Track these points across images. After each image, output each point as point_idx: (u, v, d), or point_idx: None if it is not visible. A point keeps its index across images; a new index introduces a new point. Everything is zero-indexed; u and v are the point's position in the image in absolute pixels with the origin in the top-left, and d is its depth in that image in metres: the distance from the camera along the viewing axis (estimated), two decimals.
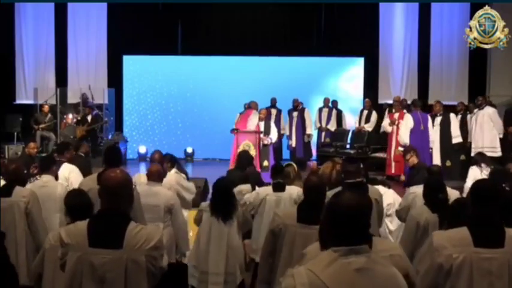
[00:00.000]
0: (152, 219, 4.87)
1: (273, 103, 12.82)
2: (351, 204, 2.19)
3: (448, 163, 9.77)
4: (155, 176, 5.23)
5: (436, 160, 9.88)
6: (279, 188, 5.46)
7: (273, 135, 10.13)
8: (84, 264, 2.69)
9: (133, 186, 2.88)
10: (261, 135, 9.82)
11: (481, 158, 8.16)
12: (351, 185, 4.14)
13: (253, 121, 10.06)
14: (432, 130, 10.37)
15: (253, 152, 9.37)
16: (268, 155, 9.90)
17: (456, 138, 10.26)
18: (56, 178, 5.58)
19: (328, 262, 2.13)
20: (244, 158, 7.18)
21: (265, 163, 9.74)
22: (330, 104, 13.16)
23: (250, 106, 10.58)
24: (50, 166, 5.56)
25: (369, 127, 12.33)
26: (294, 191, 5.34)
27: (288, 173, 5.98)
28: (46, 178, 5.42)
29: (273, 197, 5.39)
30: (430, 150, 10.21)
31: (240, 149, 9.48)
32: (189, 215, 5.87)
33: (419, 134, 9.75)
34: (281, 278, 2.25)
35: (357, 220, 2.18)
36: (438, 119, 10.30)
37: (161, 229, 4.79)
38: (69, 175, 6.27)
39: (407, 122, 9.88)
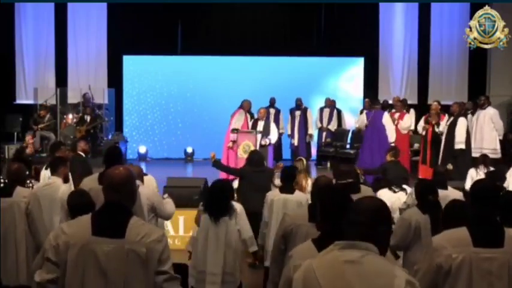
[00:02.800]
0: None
1: (272, 103, 12.78)
2: (372, 207, 2.28)
3: (450, 166, 9.49)
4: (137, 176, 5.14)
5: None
6: (286, 190, 5.50)
7: (273, 136, 10.02)
8: (87, 255, 2.69)
9: (137, 185, 2.87)
10: (258, 136, 9.73)
11: (481, 160, 8.16)
12: (342, 186, 4.17)
13: (237, 122, 10.00)
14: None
15: None
16: (267, 156, 9.85)
17: (459, 144, 9.58)
18: (65, 179, 5.55)
19: (325, 252, 2.27)
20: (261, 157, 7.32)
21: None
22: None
23: (242, 105, 10.42)
24: (57, 167, 5.55)
25: None
26: (303, 197, 5.42)
27: (296, 167, 6.53)
28: (52, 179, 5.41)
29: (280, 198, 5.43)
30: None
31: (240, 149, 9.48)
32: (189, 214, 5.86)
33: (375, 131, 9.89)
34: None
35: (374, 223, 2.24)
36: (450, 120, 9.99)
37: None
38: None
39: (363, 119, 10.30)
